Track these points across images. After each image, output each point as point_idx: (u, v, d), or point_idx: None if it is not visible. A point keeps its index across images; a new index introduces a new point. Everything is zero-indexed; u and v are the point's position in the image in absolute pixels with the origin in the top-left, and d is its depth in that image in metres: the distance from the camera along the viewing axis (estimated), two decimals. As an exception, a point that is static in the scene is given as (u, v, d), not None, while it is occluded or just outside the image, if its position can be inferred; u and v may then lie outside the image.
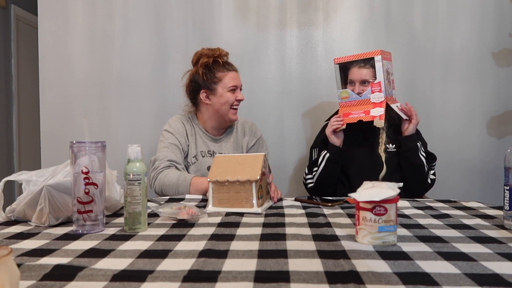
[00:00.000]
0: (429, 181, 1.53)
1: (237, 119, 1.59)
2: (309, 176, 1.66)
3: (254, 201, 1.07)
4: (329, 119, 1.71)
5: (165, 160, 1.42)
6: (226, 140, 1.62)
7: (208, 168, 1.50)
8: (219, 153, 1.55)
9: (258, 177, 1.07)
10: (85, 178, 0.86)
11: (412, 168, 1.52)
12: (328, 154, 1.58)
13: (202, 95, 1.55)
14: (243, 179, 1.07)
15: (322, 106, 2.03)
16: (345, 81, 1.63)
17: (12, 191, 3.40)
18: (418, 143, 1.51)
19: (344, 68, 1.61)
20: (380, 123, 1.48)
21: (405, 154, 1.52)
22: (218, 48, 1.56)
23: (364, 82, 1.54)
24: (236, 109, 1.57)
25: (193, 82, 1.56)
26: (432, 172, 1.56)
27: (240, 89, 1.59)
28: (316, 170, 1.62)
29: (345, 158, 1.62)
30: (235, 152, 1.59)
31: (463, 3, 1.98)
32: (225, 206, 1.09)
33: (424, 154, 1.52)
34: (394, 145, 1.57)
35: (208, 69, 1.53)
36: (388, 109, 1.51)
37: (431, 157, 1.57)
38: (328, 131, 1.57)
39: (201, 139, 1.58)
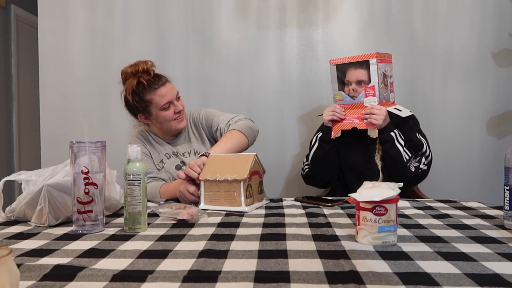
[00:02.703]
0: (412, 169, 1.48)
1: (184, 125, 1.51)
2: (306, 162, 1.68)
3: (242, 200, 1.09)
4: (321, 114, 1.72)
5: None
6: (182, 139, 1.56)
7: (176, 167, 1.49)
8: (183, 153, 1.52)
9: (246, 176, 1.09)
10: (85, 178, 0.86)
11: (389, 158, 1.50)
12: (320, 133, 1.62)
13: (141, 118, 1.50)
14: (232, 178, 1.09)
15: (322, 106, 2.03)
16: (342, 82, 1.63)
17: (12, 191, 3.40)
18: (393, 133, 1.47)
19: (342, 70, 1.62)
20: (374, 133, 1.49)
21: (382, 145, 1.51)
22: (139, 62, 1.43)
23: (359, 83, 1.55)
24: (180, 118, 1.48)
25: (128, 108, 1.49)
26: (417, 160, 1.49)
27: (178, 98, 1.48)
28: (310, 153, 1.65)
29: (341, 160, 1.63)
30: (197, 147, 1.54)
31: (463, 3, 1.98)
32: (215, 204, 1.12)
33: (402, 143, 1.49)
34: None
35: (135, 94, 1.42)
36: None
37: (416, 145, 1.52)
38: (325, 117, 1.58)
39: (161, 146, 1.55)
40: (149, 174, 1.45)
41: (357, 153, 1.60)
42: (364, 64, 1.53)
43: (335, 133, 1.59)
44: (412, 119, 1.58)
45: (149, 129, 1.58)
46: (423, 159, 1.50)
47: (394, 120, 1.53)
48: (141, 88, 1.42)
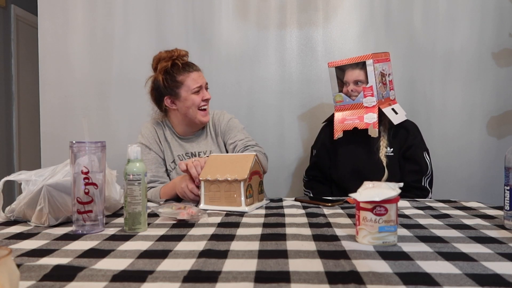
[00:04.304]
0: (430, 196, 1.54)
1: (208, 120, 1.52)
2: (306, 179, 1.80)
3: (242, 200, 1.09)
4: (326, 120, 1.73)
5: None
6: (200, 138, 1.55)
7: None
8: (198, 152, 1.52)
9: (246, 176, 1.09)
10: (85, 178, 0.86)
11: None
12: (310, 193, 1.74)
13: (167, 101, 1.49)
14: (232, 178, 1.10)
15: (322, 106, 2.03)
16: (342, 84, 1.65)
17: (12, 191, 3.40)
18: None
19: (341, 71, 1.64)
20: (374, 132, 1.50)
21: None
22: (176, 49, 1.48)
23: (357, 83, 1.57)
24: (205, 109, 1.49)
25: (155, 89, 1.49)
26: (421, 185, 1.52)
27: (206, 88, 1.51)
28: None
29: (346, 160, 1.64)
30: (213, 148, 1.53)
31: (463, 3, 1.97)
32: (215, 204, 1.13)
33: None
34: (392, 149, 1.56)
35: (168, 74, 1.45)
36: (382, 112, 1.52)
37: (423, 170, 1.53)
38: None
39: (176, 142, 1.53)
40: (150, 184, 1.42)
41: (362, 152, 1.61)
42: (360, 64, 1.55)
43: (337, 133, 1.60)
44: (420, 138, 1.59)
45: (168, 120, 1.56)
46: (427, 183, 1.53)
47: (398, 132, 1.54)
48: (175, 69, 1.46)
